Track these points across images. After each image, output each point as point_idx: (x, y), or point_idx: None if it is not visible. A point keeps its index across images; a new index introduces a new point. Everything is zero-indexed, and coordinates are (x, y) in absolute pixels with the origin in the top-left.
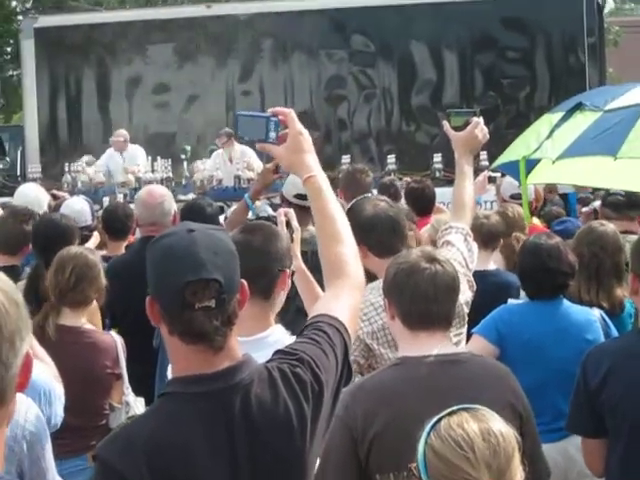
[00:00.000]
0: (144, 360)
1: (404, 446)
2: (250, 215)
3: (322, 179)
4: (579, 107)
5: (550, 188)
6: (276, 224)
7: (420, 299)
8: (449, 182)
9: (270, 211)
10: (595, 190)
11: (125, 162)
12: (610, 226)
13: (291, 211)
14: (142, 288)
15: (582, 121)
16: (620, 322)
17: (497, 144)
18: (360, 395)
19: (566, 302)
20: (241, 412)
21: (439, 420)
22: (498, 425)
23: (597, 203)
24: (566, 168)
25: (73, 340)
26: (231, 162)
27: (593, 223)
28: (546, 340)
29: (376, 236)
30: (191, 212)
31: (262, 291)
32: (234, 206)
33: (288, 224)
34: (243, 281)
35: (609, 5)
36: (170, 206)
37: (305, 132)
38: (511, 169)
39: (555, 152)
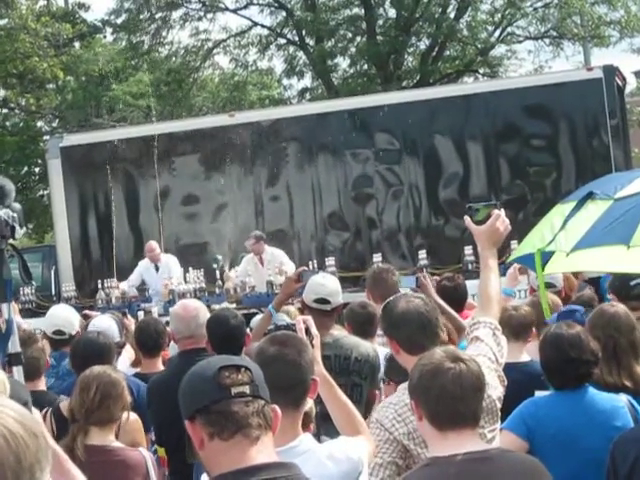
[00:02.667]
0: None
1: None
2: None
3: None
4: (590, 196)
5: (577, 274)
6: (295, 332)
7: (446, 399)
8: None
9: (288, 320)
10: None
11: (160, 272)
12: (620, 306)
13: (310, 318)
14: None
15: (594, 211)
16: None
17: (526, 233)
18: None
19: (592, 390)
20: None
21: None
22: None
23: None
24: (579, 259)
25: (102, 459)
26: (262, 265)
27: (604, 306)
28: (575, 431)
29: (406, 332)
30: (216, 324)
31: (293, 401)
32: (258, 316)
33: (307, 331)
34: (276, 407)
35: (630, 86)
36: (205, 318)
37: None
38: (528, 261)
39: (568, 244)
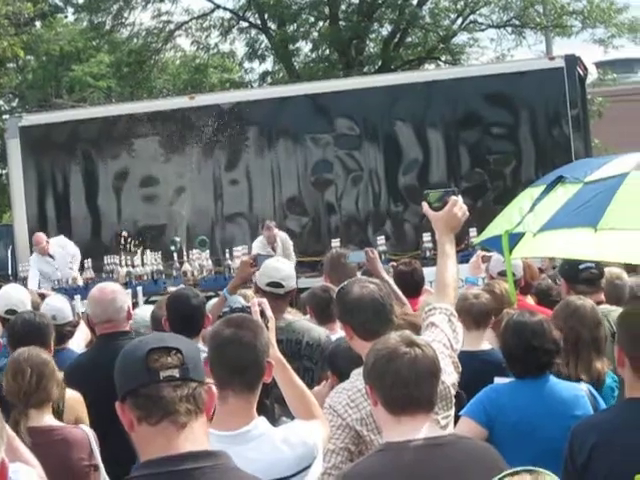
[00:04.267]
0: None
1: None
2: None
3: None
4: (560, 180)
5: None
6: (250, 314)
7: (401, 384)
8: None
9: (243, 302)
10: None
11: (58, 258)
12: (588, 301)
13: (265, 301)
14: (102, 388)
15: (563, 194)
16: (602, 396)
17: (486, 220)
18: None
19: (553, 379)
20: None
21: None
22: None
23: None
24: (546, 240)
25: (45, 440)
26: (275, 252)
27: (571, 297)
28: (535, 420)
29: (360, 319)
30: (177, 302)
31: (249, 384)
32: (213, 300)
33: (262, 314)
34: (212, 385)
35: (591, 76)
36: (123, 302)
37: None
38: (495, 244)
39: (536, 226)
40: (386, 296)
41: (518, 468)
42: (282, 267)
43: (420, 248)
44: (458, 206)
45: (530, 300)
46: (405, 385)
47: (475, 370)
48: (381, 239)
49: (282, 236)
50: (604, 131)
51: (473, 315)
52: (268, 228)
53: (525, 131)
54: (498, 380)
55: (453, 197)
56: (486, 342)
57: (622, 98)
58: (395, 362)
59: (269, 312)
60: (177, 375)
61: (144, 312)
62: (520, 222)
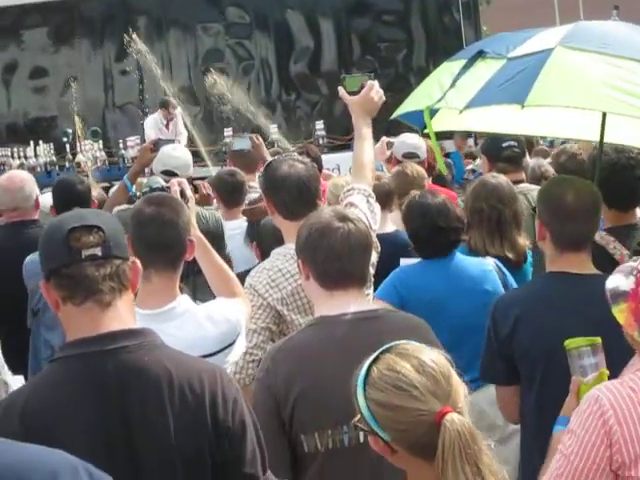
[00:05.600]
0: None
1: (326, 405)
2: (139, 190)
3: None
4: (481, 55)
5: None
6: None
7: (335, 258)
8: (333, 149)
9: (162, 182)
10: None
11: None
12: (502, 177)
13: (184, 181)
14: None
15: (486, 70)
16: (524, 272)
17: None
18: (280, 357)
19: (459, 256)
20: (116, 376)
21: (368, 371)
22: (426, 354)
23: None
24: (473, 117)
25: None
26: (168, 130)
27: (485, 177)
28: (446, 297)
29: (283, 197)
30: (62, 188)
31: (172, 262)
32: (113, 188)
33: (182, 193)
34: (136, 259)
35: None
36: (31, 190)
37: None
38: (413, 119)
39: (461, 102)
40: (313, 178)
41: (375, 354)
42: (178, 154)
43: (313, 136)
44: (374, 90)
45: None
46: (338, 259)
47: (382, 252)
48: (274, 127)
49: (178, 117)
50: (492, 19)
51: (375, 197)
52: (174, 107)
53: (416, 19)
54: (404, 261)
55: (369, 81)
56: (390, 224)
57: None
58: (329, 236)
59: (189, 192)
60: (99, 253)
61: (45, 200)
62: (442, 97)
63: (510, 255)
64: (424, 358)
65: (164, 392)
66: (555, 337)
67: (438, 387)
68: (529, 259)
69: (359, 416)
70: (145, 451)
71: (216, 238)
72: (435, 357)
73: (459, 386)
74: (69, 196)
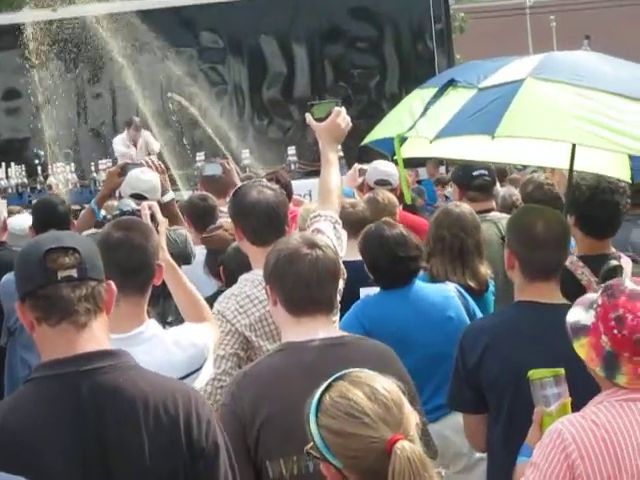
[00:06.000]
0: None
1: (292, 431)
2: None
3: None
4: (452, 83)
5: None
6: (140, 217)
7: (302, 285)
8: (304, 174)
9: (133, 205)
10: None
11: None
12: (465, 206)
13: (155, 204)
14: None
15: (456, 99)
16: (486, 300)
17: (350, 134)
18: (245, 382)
19: (419, 284)
20: (91, 397)
21: (320, 399)
22: (378, 382)
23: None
24: (443, 144)
25: None
26: (136, 147)
27: (449, 205)
28: (410, 327)
29: (252, 223)
30: (43, 209)
31: (140, 287)
32: (81, 213)
33: (152, 217)
34: (111, 282)
35: None
36: (1, 213)
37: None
38: (384, 146)
39: (431, 131)
40: (282, 204)
41: (328, 381)
42: (146, 178)
43: (285, 161)
44: (341, 117)
45: None
46: (307, 285)
47: (353, 280)
48: (245, 153)
49: (145, 135)
50: (465, 47)
51: (350, 224)
52: (136, 127)
53: (389, 46)
54: (364, 291)
55: (336, 108)
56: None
57: (483, 15)
58: (297, 263)
59: (159, 216)
60: (75, 275)
61: (22, 221)
62: (413, 126)
63: (472, 284)
64: (376, 386)
65: (139, 413)
66: (522, 367)
67: (389, 415)
68: (491, 288)
69: (312, 444)
70: (121, 472)
71: (186, 257)
72: (387, 385)
73: (411, 414)
74: (50, 217)
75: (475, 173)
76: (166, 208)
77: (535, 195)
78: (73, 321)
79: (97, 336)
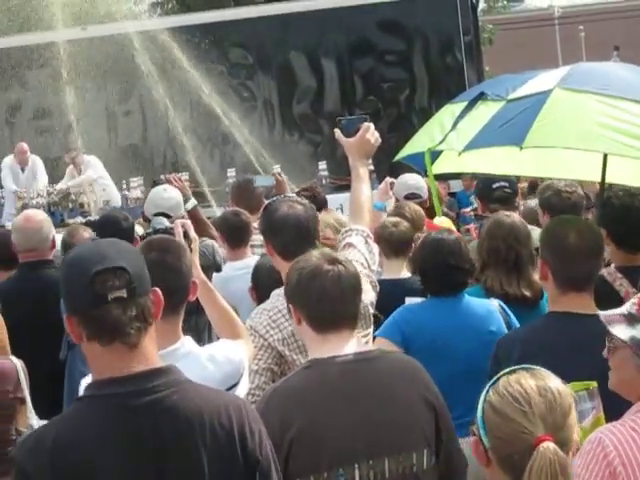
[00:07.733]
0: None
1: (322, 448)
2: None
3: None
4: (481, 97)
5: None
6: (173, 236)
7: (326, 301)
8: (335, 189)
9: (166, 223)
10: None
11: (25, 174)
12: (515, 216)
13: (188, 222)
14: (27, 315)
15: (486, 111)
16: (541, 308)
17: (380, 148)
18: (273, 401)
19: (466, 296)
20: (148, 417)
21: (499, 378)
22: (555, 383)
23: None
24: (472, 159)
25: None
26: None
27: (499, 216)
28: (450, 336)
29: (282, 238)
30: (105, 225)
31: (174, 307)
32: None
33: (186, 235)
34: (157, 289)
35: (482, 4)
36: (49, 231)
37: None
38: (416, 161)
39: (460, 144)
40: (312, 219)
41: (515, 367)
42: (169, 196)
43: (316, 176)
44: (370, 132)
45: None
46: (331, 302)
47: (392, 296)
48: (276, 168)
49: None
50: (494, 58)
51: (392, 244)
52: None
53: (418, 59)
54: (409, 300)
55: (365, 123)
56: (405, 270)
57: (512, 26)
58: (319, 279)
59: (192, 233)
60: (125, 295)
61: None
62: (443, 140)
63: (527, 293)
64: (550, 384)
65: (196, 430)
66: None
67: (550, 415)
68: (545, 295)
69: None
70: None
71: (217, 267)
72: (562, 389)
73: (574, 426)
74: (114, 234)
75: (495, 185)
76: (191, 215)
77: (552, 201)
78: (125, 342)
79: (147, 354)
